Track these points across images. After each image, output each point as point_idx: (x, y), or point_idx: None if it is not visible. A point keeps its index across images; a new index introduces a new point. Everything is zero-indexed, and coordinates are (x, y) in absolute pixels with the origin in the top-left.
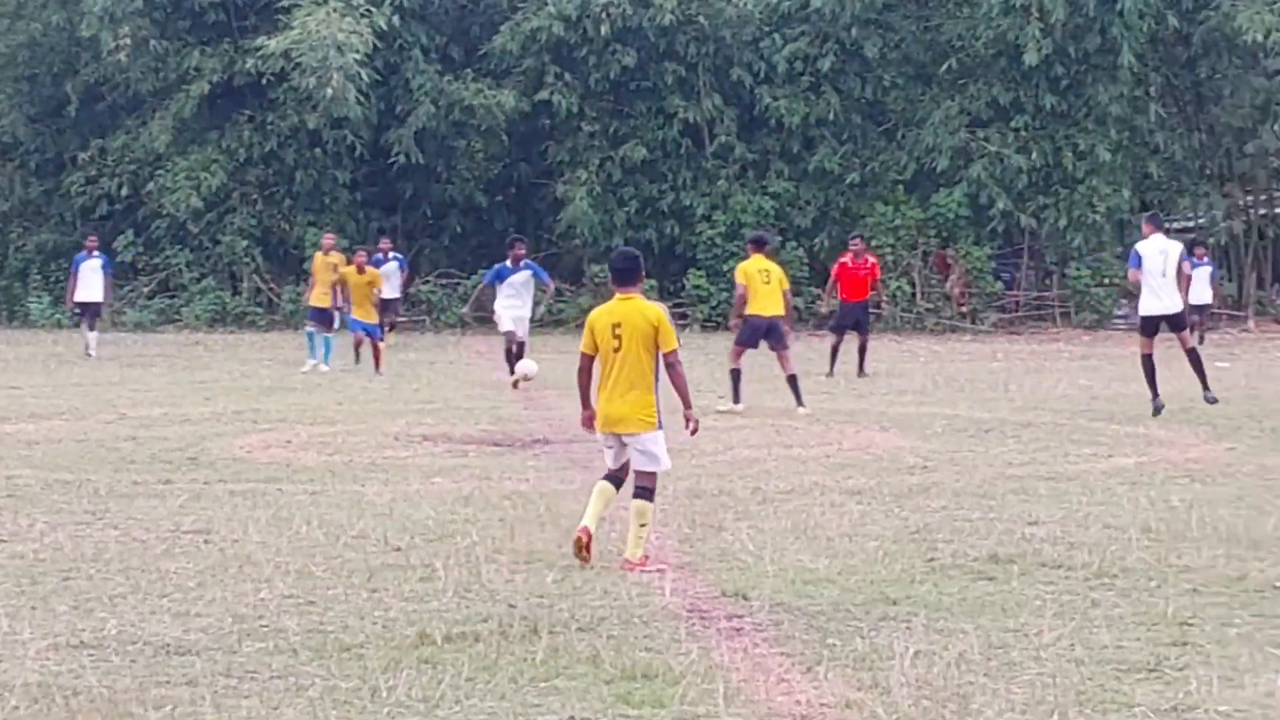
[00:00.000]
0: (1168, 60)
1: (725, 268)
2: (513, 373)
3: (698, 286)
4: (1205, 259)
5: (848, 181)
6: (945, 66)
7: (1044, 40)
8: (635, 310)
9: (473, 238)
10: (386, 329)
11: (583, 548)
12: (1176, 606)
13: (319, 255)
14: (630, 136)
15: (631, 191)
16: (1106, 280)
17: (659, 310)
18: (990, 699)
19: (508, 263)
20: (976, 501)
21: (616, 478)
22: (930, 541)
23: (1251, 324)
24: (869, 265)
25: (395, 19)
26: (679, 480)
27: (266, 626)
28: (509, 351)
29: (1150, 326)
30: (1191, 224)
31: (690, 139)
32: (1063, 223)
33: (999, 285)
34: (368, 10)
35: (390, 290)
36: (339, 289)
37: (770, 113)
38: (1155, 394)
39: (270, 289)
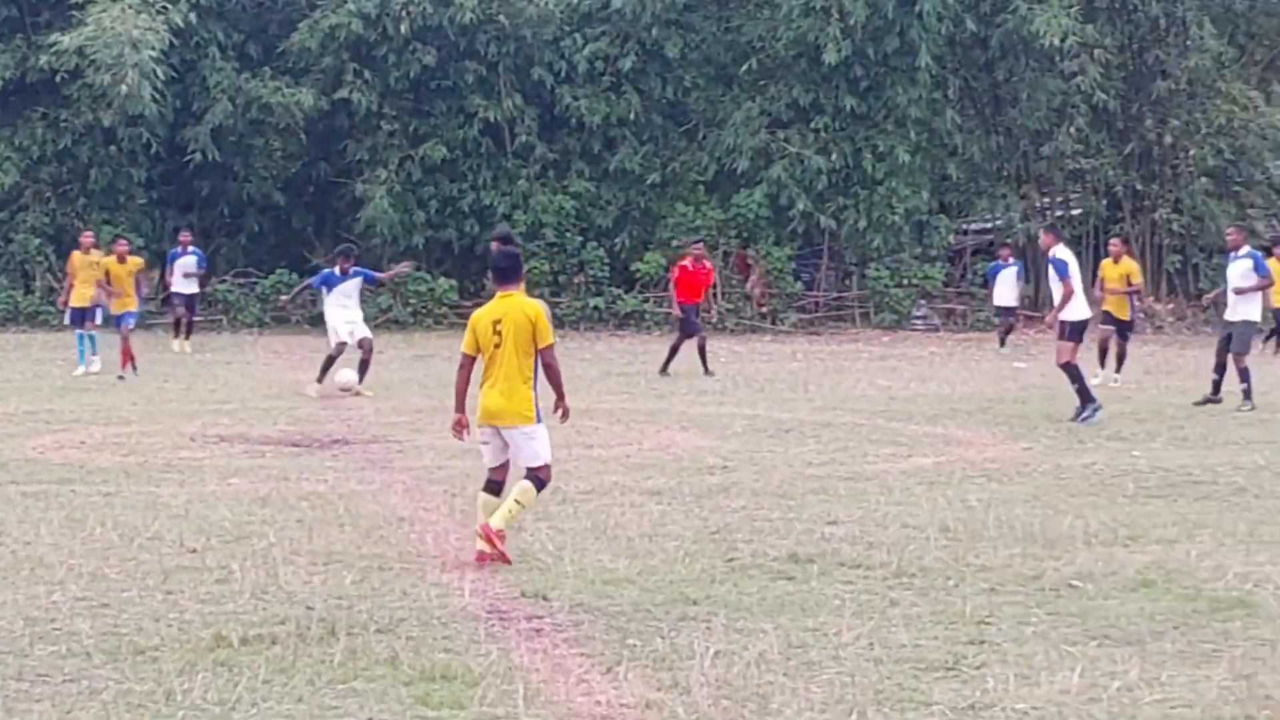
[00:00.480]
0: (966, 63)
1: (526, 267)
2: (320, 381)
3: None
4: (1011, 260)
5: (648, 182)
6: (746, 67)
7: (844, 42)
8: (515, 307)
9: (270, 236)
10: (184, 332)
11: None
12: (974, 605)
13: (77, 254)
14: (430, 135)
15: (431, 191)
16: (905, 281)
17: (538, 307)
18: (789, 698)
19: (335, 271)
20: (776, 501)
21: (495, 485)
22: (730, 541)
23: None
24: (706, 270)
25: (192, 16)
26: (479, 481)
27: (59, 629)
28: (329, 361)
29: (1080, 331)
30: (989, 225)
31: (491, 138)
32: (862, 224)
33: (799, 286)
34: (164, 7)
35: (189, 285)
36: (104, 285)
37: (571, 112)
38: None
39: (64, 288)
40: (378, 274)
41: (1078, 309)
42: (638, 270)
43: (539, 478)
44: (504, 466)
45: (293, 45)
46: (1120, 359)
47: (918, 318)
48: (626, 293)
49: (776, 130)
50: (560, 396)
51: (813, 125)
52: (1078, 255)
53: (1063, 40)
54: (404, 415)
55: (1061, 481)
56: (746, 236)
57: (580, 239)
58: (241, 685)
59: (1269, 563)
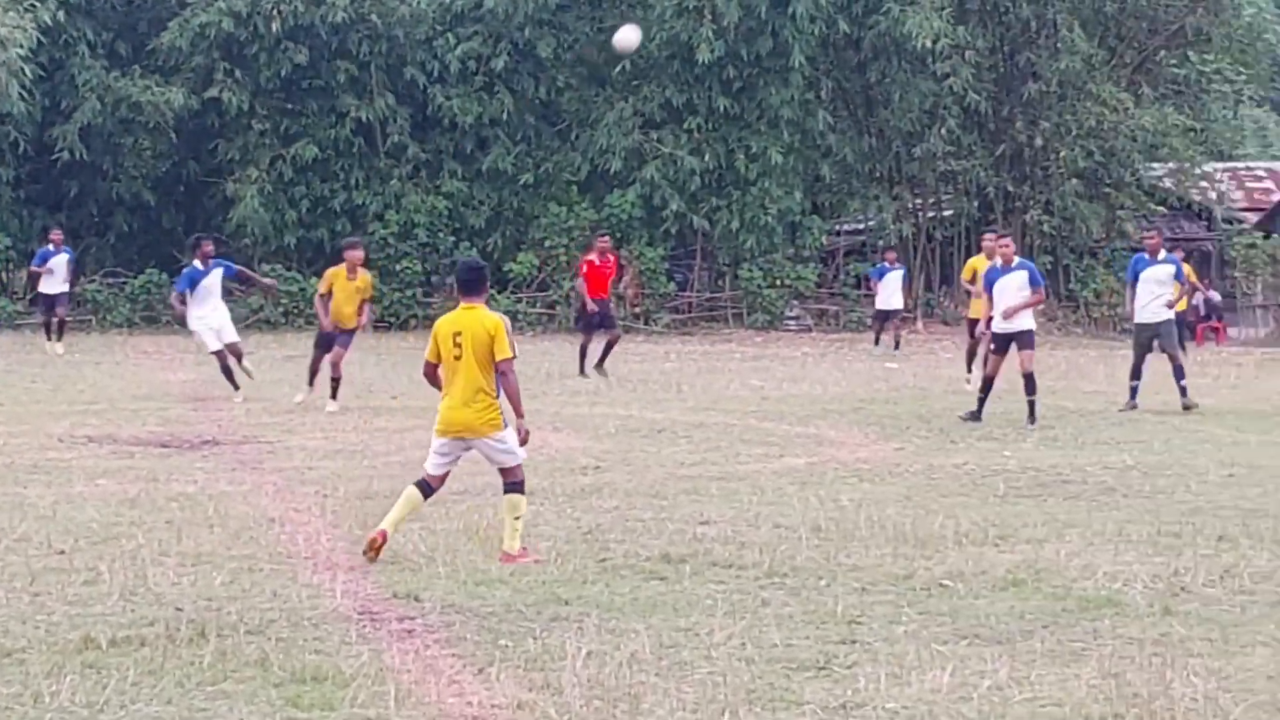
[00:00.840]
0: (839, 64)
1: (398, 267)
2: (236, 387)
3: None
4: (897, 263)
5: (521, 182)
6: (619, 68)
7: (716, 42)
8: (476, 320)
9: (140, 236)
10: (57, 333)
11: (375, 549)
12: (845, 605)
13: None
14: (302, 135)
15: (303, 190)
16: (778, 282)
17: (498, 320)
18: (661, 698)
19: (196, 264)
20: (648, 502)
21: (428, 486)
22: (602, 541)
23: (920, 325)
24: (611, 263)
25: (60, 14)
26: (350, 482)
27: None
28: (226, 369)
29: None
30: (862, 226)
31: (363, 138)
32: (735, 224)
33: (672, 286)
34: (32, 5)
35: (57, 284)
36: None
37: (444, 112)
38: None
39: None
40: (243, 270)
41: (1030, 318)
42: (511, 271)
43: (516, 482)
44: (444, 477)
45: (163, 44)
46: (971, 357)
47: (790, 318)
48: (499, 293)
49: (650, 131)
50: (518, 413)
51: (686, 126)
52: (949, 256)
53: (934, 42)
54: (275, 416)
55: (933, 481)
56: (620, 237)
57: (453, 239)
58: (110, 687)
59: (1137, 561)
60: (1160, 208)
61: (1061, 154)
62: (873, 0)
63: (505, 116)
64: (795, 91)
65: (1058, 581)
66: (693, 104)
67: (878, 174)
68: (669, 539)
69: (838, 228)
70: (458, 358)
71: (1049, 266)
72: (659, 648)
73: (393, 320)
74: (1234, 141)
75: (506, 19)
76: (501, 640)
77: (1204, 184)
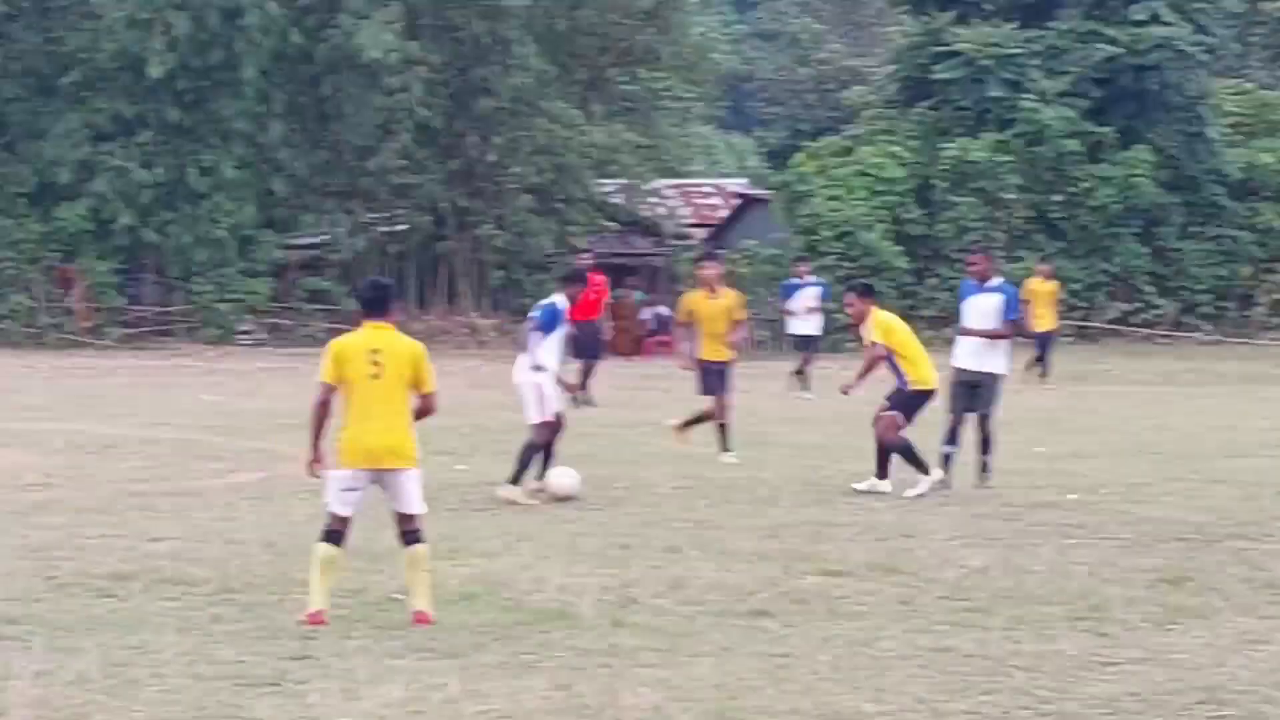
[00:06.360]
0: (292, 77)
1: None
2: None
3: None
4: (809, 276)
5: None
6: (68, 79)
7: (168, 54)
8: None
9: None
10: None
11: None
12: (297, 620)
13: None
14: None
15: None
16: (231, 295)
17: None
18: (111, 716)
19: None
20: (99, 518)
21: (340, 535)
22: (50, 559)
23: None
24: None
25: None
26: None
27: None
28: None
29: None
30: (316, 240)
31: None
32: (187, 238)
33: (123, 300)
34: None
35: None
36: None
37: None
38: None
39: None
40: None
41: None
42: None
43: (418, 530)
44: (350, 520)
45: None
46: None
47: (243, 332)
48: None
49: (100, 143)
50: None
51: (138, 139)
52: (403, 270)
53: (385, 55)
54: None
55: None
56: (69, 250)
57: None
58: None
59: (588, 574)
60: (611, 223)
61: (514, 170)
62: (325, 14)
63: None
64: (248, 104)
65: (510, 594)
66: (144, 117)
67: (332, 188)
68: (119, 556)
69: (291, 241)
70: (376, 377)
71: (502, 281)
72: (108, 666)
73: None
74: (683, 158)
75: None
76: None
77: (653, 200)
